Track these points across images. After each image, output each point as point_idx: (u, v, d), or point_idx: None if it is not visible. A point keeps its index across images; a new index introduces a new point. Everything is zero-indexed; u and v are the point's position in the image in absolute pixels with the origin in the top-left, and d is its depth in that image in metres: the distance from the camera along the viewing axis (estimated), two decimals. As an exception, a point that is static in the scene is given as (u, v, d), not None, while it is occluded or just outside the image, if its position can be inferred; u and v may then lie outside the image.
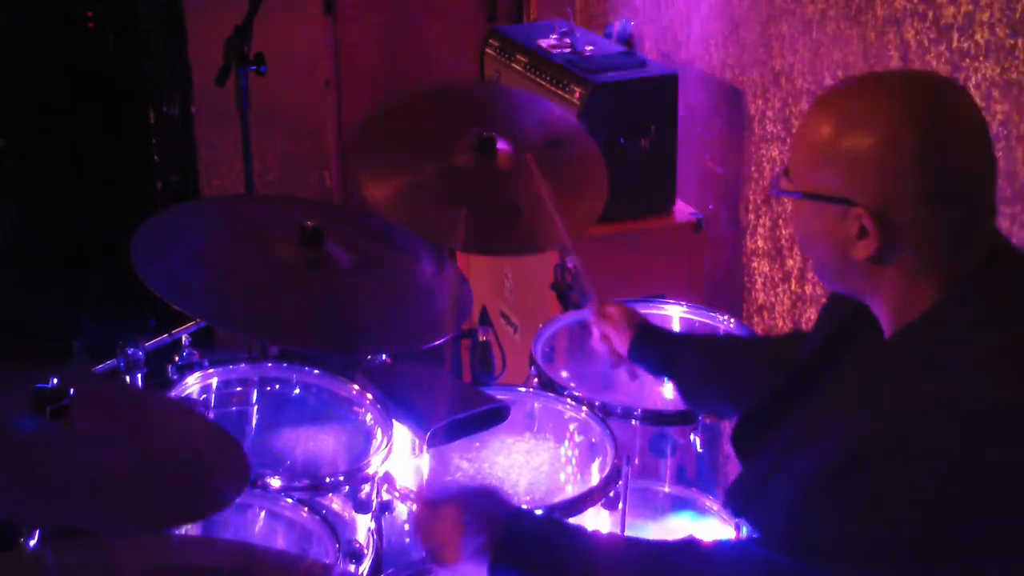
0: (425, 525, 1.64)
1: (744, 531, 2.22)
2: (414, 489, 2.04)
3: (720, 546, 1.63)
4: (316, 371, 2.29)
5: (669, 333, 2.19)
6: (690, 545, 1.58)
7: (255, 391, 2.30)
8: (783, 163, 3.10)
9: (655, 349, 2.11)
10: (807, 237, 1.56)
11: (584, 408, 2.25)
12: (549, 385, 2.32)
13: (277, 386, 2.32)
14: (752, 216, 3.27)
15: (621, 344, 2.14)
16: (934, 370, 1.43)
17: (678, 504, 2.44)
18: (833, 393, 1.59)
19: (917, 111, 1.44)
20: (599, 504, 2.05)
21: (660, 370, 2.14)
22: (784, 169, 1.56)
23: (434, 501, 1.66)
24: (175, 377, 2.22)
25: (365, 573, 1.94)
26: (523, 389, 2.33)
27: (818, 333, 1.75)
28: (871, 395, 1.47)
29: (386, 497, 2.04)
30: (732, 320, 2.55)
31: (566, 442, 2.26)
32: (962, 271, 1.47)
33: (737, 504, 1.69)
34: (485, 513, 1.59)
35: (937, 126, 1.43)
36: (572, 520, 2.01)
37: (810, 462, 1.48)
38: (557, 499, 2.09)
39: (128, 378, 2.21)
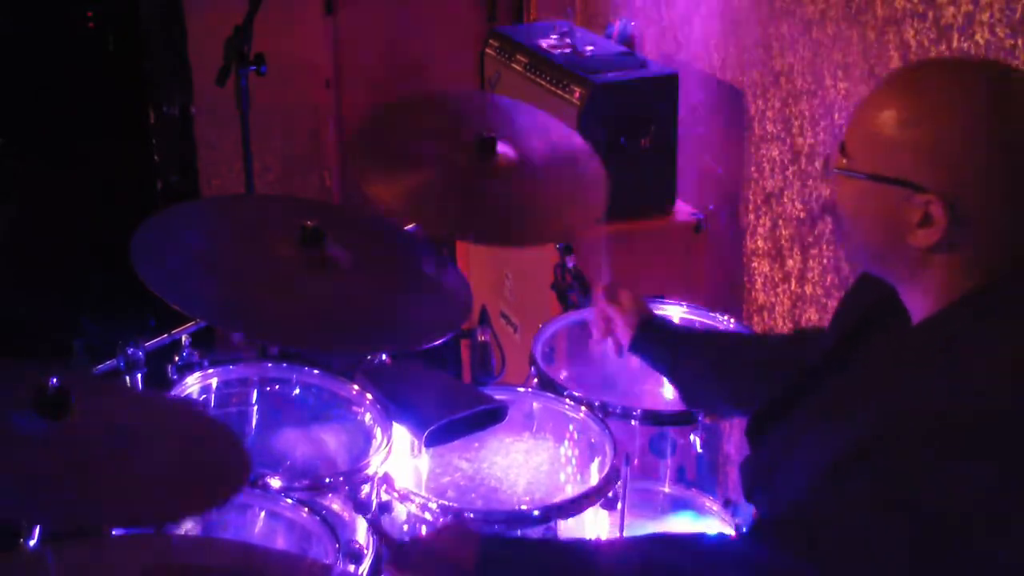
0: (403, 561, 1.65)
1: (744, 531, 2.23)
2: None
3: (716, 545, 1.63)
4: (316, 371, 2.29)
5: (674, 332, 2.17)
6: (689, 543, 1.58)
7: (255, 391, 2.30)
8: (783, 163, 3.11)
9: (658, 347, 2.10)
10: (856, 218, 1.52)
11: (583, 408, 2.25)
12: (549, 385, 2.32)
13: (277, 386, 2.32)
14: (752, 216, 3.27)
15: (624, 334, 2.13)
16: (952, 364, 1.42)
17: (678, 504, 2.43)
18: (849, 383, 1.57)
19: (999, 101, 1.41)
20: (598, 504, 2.05)
21: (660, 367, 2.13)
22: (840, 146, 1.52)
23: (406, 543, 1.67)
24: (175, 377, 2.22)
25: (365, 573, 1.94)
26: (522, 389, 2.33)
27: (838, 323, 1.74)
28: (887, 387, 1.46)
29: (386, 497, 2.04)
30: (732, 320, 2.55)
31: (565, 442, 2.26)
32: (1007, 266, 1.45)
33: (747, 483, 1.69)
34: (456, 555, 1.59)
35: (1017, 118, 1.41)
36: (571, 520, 2.02)
37: (820, 453, 1.47)
38: (556, 499, 2.09)
39: (128, 378, 2.21)
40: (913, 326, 1.52)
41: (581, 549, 1.72)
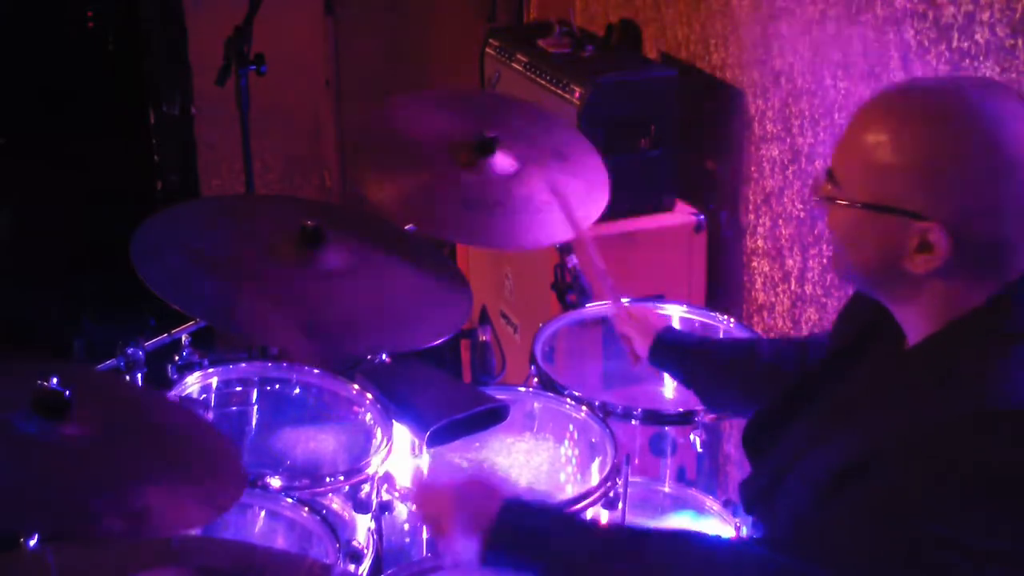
0: (423, 498, 1.64)
1: (744, 531, 2.23)
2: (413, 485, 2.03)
3: (720, 541, 1.62)
4: (316, 371, 2.29)
5: (688, 342, 2.15)
6: (690, 537, 1.58)
7: (255, 391, 2.30)
8: (783, 162, 3.11)
9: (676, 357, 2.11)
10: (849, 244, 1.49)
11: (584, 408, 2.25)
12: (549, 385, 2.32)
13: (277, 386, 2.32)
14: (752, 216, 3.26)
15: (641, 347, 2.14)
16: (950, 381, 1.40)
17: (678, 504, 2.43)
18: (847, 397, 1.57)
19: (991, 121, 1.38)
20: (599, 504, 2.05)
21: (678, 376, 2.14)
22: (827, 173, 1.48)
23: (432, 483, 1.66)
24: (175, 377, 2.22)
25: (365, 573, 1.94)
26: (523, 389, 2.33)
27: (837, 335, 1.73)
28: (885, 401, 1.45)
29: (386, 497, 2.04)
30: (732, 320, 2.55)
31: (566, 442, 2.26)
32: (1002, 285, 1.43)
33: (748, 501, 1.68)
34: (476, 508, 1.58)
35: (1013, 138, 1.37)
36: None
37: (820, 464, 1.46)
38: (557, 499, 2.09)
39: (128, 378, 2.21)
40: (910, 346, 1.52)
41: (595, 532, 1.69)
